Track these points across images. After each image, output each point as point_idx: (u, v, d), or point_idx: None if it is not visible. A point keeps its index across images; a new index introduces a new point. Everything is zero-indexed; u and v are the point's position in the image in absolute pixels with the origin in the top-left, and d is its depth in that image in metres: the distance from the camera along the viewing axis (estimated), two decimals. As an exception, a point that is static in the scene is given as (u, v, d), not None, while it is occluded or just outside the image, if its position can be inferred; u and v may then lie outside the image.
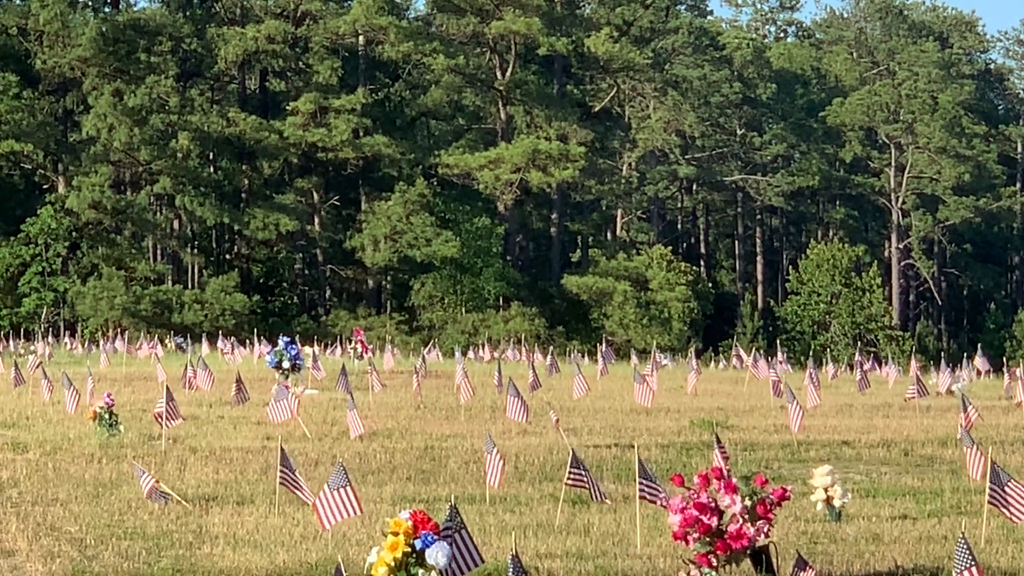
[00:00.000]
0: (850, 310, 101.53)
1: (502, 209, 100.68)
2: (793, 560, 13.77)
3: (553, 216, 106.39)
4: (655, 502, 16.85)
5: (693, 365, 52.11)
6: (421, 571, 13.00)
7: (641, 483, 16.83)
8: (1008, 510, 16.78)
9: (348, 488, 15.99)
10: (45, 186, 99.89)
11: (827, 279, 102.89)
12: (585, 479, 17.83)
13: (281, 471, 18.56)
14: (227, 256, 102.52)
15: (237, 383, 34.21)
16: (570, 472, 17.89)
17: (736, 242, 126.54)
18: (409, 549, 12.99)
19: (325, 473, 22.39)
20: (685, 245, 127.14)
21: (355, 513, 16.03)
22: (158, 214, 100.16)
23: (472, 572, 13.49)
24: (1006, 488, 16.82)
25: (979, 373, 62.16)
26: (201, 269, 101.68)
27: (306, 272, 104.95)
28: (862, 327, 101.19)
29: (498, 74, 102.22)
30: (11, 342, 71.67)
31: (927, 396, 36.32)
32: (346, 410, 28.69)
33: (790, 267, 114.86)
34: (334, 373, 45.04)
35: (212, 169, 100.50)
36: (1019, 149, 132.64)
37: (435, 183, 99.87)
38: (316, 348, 58.78)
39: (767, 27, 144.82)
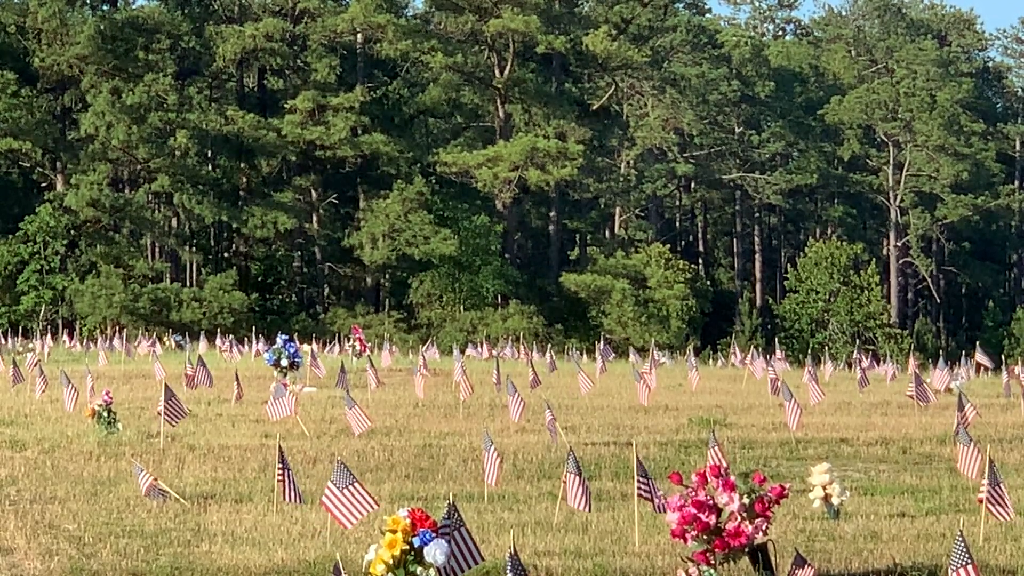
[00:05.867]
0: (848, 308, 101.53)
1: (500, 207, 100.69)
2: (791, 558, 13.77)
3: (551, 214, 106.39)
4: (650, 501, 16.84)
5: (692, 363, 52.14)
6: (419, 569, 13.00)
7: (639, 481, 16.82)
8: (1002, 509, 16.78)
9: (356, 484, 15.93)
10: (43, 184, 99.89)
11: (825, 277, 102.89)
12: (579, 484, 17.73)
13: (280, 469, 18.57)
14: (225, 254, 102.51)
15: (236, 381, 34.24)
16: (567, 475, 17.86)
17: (734, 240, 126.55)
18: (407, 547, 12.99)
19: (323, 471, 22.39)
20: (683, 243, 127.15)
21: (373, 508, 15.98)
22: (156, 212, 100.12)
23: (471, 570, 13.50)
24: (1001, 487, 16.83)
25: (979, 369, 62.17)
26: (199, 267, 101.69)
27: (304, 270, 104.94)
28: (860, 325, 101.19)
29: (496, 72, 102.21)
30: (9, 340, 71.63)
31: (930, 401, 36.07)
32: (344, 408, 28.69)
33: (788, 265, 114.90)
34: (332, 371, 45.08)
35: (210, 167, 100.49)
36: (1017, 147, 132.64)
37: (433, 181, 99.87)
38: (315, 346, 58.79)
39: (765, 25, 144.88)
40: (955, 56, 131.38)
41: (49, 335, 78.75)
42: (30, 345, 64.99)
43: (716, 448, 19.49)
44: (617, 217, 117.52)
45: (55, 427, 29.89)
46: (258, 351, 62.24)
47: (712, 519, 14.33)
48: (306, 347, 51.01)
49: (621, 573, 15.48)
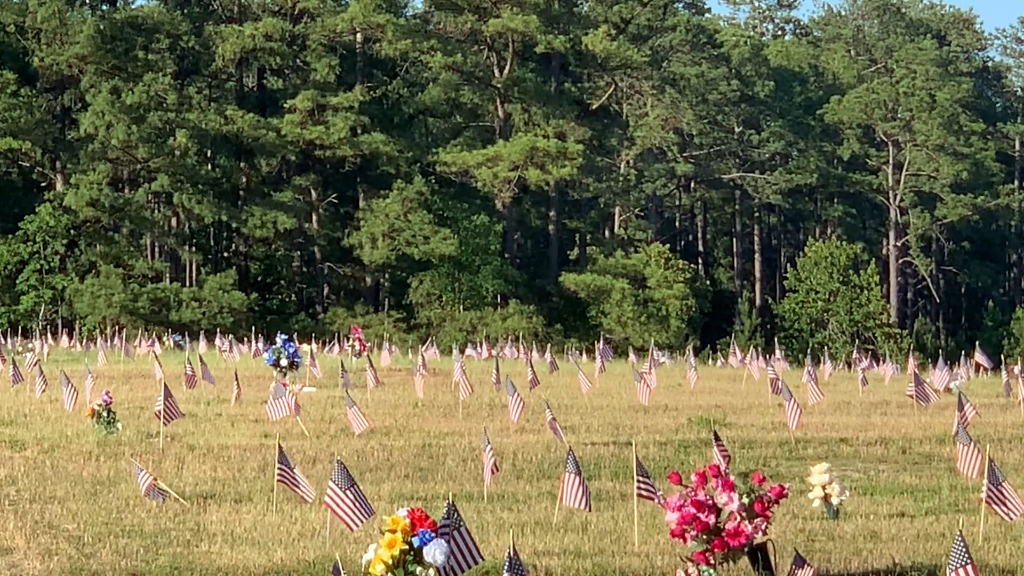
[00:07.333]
0: (848, 308, 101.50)
1: (500, 207, 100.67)
2: (791, 557, 13.77)
3: (551, 214, 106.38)
4: (652, 499, 16.84)
5: (691, 363, 52.12)
6: (419, 569, 12.99)
7: (639, 481, 16.82)
8: (1004, 508, 16.78)
9: (356, 488, 15.91)
10: (43, 184, 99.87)
11: (825, 277, 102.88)
12: (578, 483, 17.70)
13: (279, 469, 18.55)
14: (225, 254, 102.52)
15: (235, 381, 34.22)
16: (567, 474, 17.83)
17: (734, 240, 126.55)
18: (407, 547, 12.99)
19: (323, 471, 22.38)
20: (683, 243, 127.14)
21: (371, 514, 15.93)
22: (156, 212, 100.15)
23: (470, 570, 13.50)
24: (1002, 486, 16.82)
25: (978, 369, 62.17)
26: (199, 267, 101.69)
27: (304, 270, 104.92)
28: (860, 325, 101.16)
29: (496, 72, 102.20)
30: (9, 340, 71.64)
31: (930, 401, 35.99)
32: (344, 408, 28.69)
33: (788, 265, 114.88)
34: (332, 371, 45.09)
35: (210, 167, 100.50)
36: (1017, 147, 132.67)
37: (433, 181, 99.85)
38: (314, 346, 58.79)
39: (765, 25, 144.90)
40: (954, 56, 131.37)
41: (49, 335, 78.77)
42: (29, 345, 65.00)
43: (719, 449, 19.46)
44: (617, 217, 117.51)
45: (55, 427, 29.87)
46: (257, 351, 62.22)
47: (711, 519, 14.33)
48: (305, 347, 51.01)
49: (621, 573, 15.47)
